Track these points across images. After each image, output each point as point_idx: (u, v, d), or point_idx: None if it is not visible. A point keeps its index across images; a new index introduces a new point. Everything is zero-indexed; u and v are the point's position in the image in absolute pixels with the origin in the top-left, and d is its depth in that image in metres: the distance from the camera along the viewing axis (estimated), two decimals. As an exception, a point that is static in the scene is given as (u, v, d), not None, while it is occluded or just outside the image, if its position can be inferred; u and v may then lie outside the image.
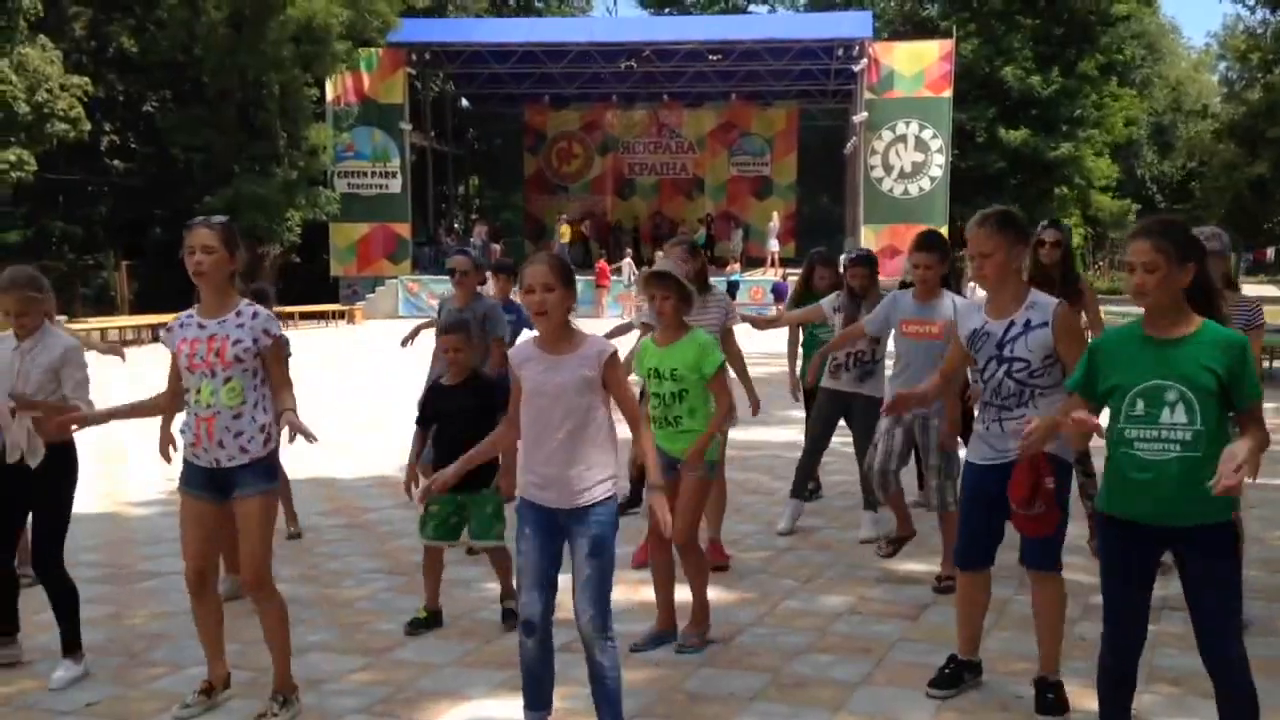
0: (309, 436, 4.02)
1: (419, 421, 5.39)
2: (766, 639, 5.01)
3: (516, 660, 4.72)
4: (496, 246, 31.82)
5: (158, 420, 5.09)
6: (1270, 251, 67.25)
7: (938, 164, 32.90)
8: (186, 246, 4.05)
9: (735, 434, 10.92)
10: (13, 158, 25.74)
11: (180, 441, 4.31)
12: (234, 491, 4.10)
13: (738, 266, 32.68)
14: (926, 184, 32.90)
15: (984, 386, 4.12)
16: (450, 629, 5.17)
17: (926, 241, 5.57)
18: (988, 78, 38.96)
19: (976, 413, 4.26)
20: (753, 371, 6.45)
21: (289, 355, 4.30)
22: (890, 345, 6.00)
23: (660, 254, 31.87)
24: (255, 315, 4.14)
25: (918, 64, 32.94)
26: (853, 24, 34.76)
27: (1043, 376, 3.99)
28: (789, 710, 4.19)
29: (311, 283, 34.29)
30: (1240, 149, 42.08)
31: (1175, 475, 3.11)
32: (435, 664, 4.73)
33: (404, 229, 33.85)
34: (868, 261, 6.76)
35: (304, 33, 29.66)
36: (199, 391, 4.06)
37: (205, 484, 4.13)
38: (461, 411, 5.16)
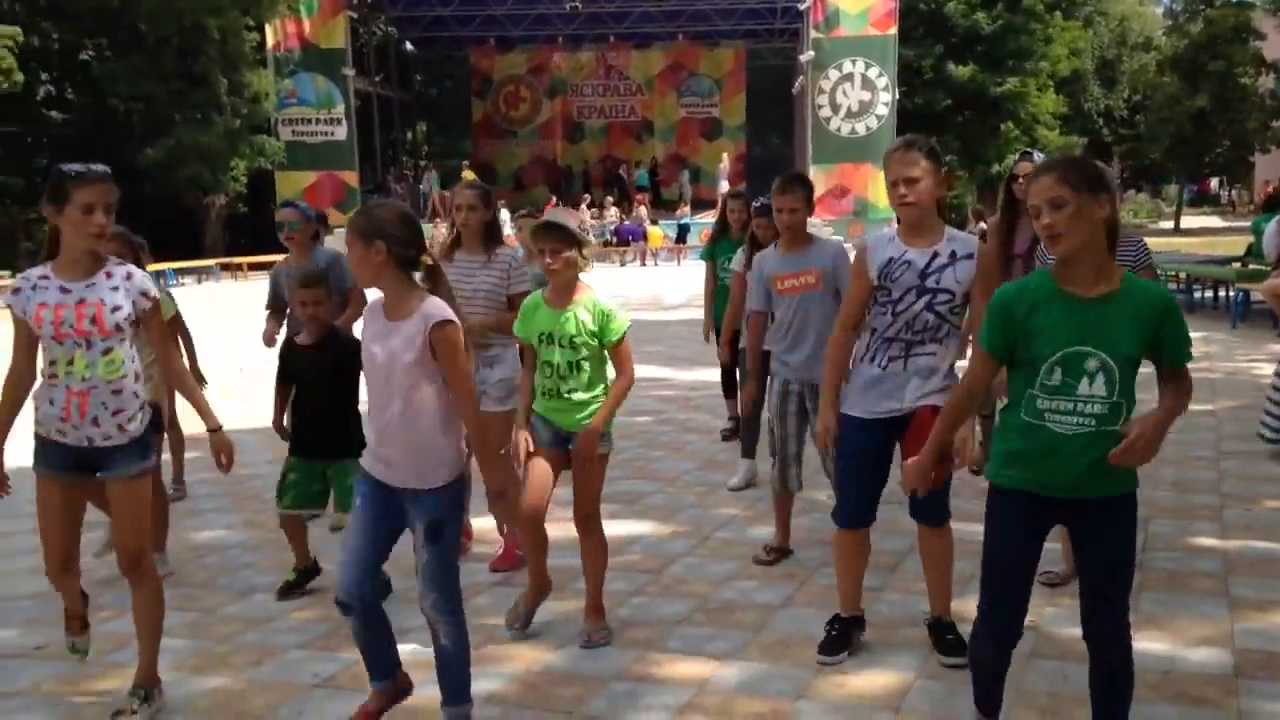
0: (222, 463, 3.87)
1: (279, 378, 5.10)
2: (696, 568, 5.23)
3: (490, 580, 4.95)
4: (447, 193, 31.65)
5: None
6: (1214, 183, 68.23)
7: (884, 102, 33.00)
8: (81, 204, 3.51)
9: (680, 374, 11.20)
10: (-54, 110, 25.21)
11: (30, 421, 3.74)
12: (103, 472, 3.70)
13: (687, 209, 32.74)
14: (874, 123, 33.00)
15: (890, 319, 3.87)
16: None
17: (787, 182, 5.09)
18: (933, 14, 39.05)
19: (866, 350, 3.99)
20: (685, 313, 6.58)
21: (175, 313, 4.05)
22: None
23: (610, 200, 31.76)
24: (130, 276, 3.68)
25: (863, 2, 32.85)
26: (798, -38, 34.63)
27: (959, 314, 3.87)
28: (713, 632, 4.41)
29: (259, 233, 33.98)
30: (1183, 82, 42.56)
31: (1088, 450, 2.85)
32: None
33: (351, 177, 33.52)
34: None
35: (241, -26, 29.15)
36: (70, 363, 3.58)
37: (71, 464, 3.69)
38: (318, 377, 4.88)
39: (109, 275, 3.64)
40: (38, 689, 4.08)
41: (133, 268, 3.75)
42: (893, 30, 33.10)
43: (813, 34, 32.64)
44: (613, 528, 5.87)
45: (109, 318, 3.59)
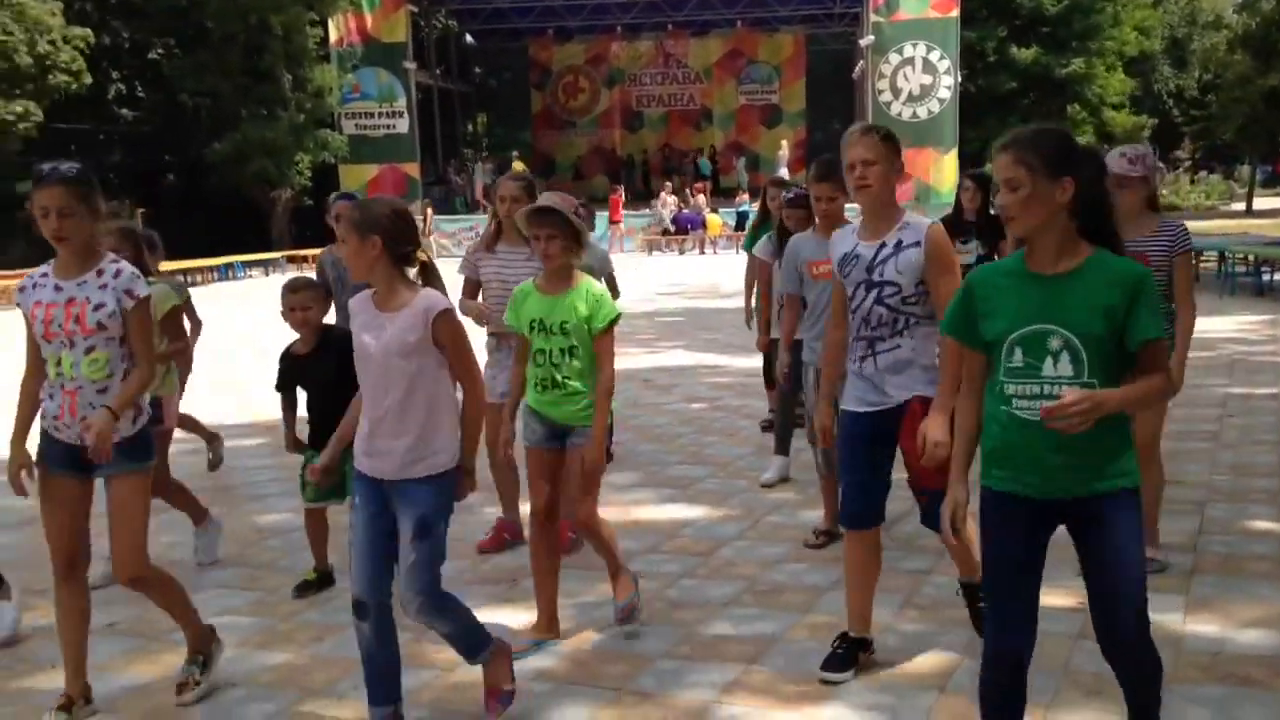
0: (96, 454, 3.54)
1: (278, 388, 5.00)
2: (746, 550, 5.29)
3: (510, 576, 5.06)
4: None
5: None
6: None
7: (946, 86, 32.63)
8: (37, 207, 3.49)
9: (735, 361, 11.23)
10: (19, 109, 25.94)
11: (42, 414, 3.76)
12: (98, 472, 3.70)
13: (746, 197, 32.65)
14: (935, 106, 32.66)
15: (853, 318, 3.82)
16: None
17: (824, 170, 4.96)
18: (997, -5, 38.48)
19: (849, 349, 3.89)
20: (741, 301, 6.58)
21: (185, 302, 4.03)
22: None
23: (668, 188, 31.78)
24: (118, 274, 3.64)
25: (924, -16, 32.55)
26: (858, -55, 34.37)
27: (917, 304, 3.74)
28: (760, 613, 4.47)
29: (324, 225, 34.45)
30: (1255, 61, 41.47)
31: (1059, 439, 2.61)
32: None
33: (413, 169, 33.92)
34: (805, 204, 5.89)
35: (303, -31, 29.62)
36: (59, 363, 3.61)
37: (69, 461, 3.68)
38: (325, 379, 4.73)
39: (100, 273, 3.62)
40: (109, 665, 4.24)
41: (123, 265, 3.69)
42: (954, 13, 32.70)
43: (873, 18, 32.36)
44: (665, 512, 6.00)
45: (90, 316, 3.56)
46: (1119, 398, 2.61)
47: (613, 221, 31.39)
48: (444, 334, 3.33)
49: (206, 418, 9.27)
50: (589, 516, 4.24)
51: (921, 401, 3.67)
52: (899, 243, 3.73)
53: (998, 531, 2.82)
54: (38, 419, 3.75)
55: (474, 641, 3.57)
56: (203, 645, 3.97)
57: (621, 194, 32.64)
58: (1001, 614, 2.83)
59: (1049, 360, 2.67)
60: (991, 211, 7.06)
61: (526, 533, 5.15)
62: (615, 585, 4.38)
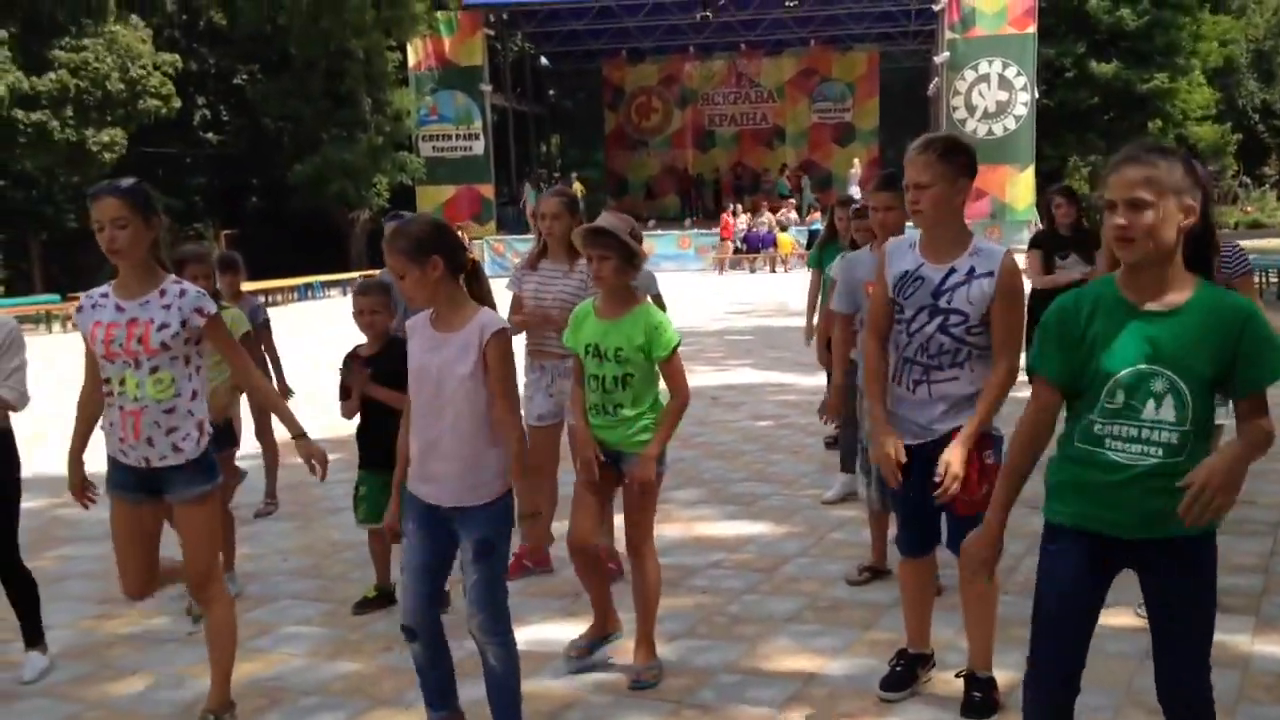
0: (315, 469, 3.74)
1: (341, 398, 4.95)
2: (809, 567, 5.31)
3: (574, 590, 5.13)
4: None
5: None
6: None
7: (1022, 102, 32.24)
8: (94, 221, 3.52)
9: (803, 379, 11.22)
10: (106, 138, 26.81)
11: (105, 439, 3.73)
12: (167, 494, 3.68)
13: (818, 216, 32.55)
14: (1011, 123, 32.28)
15: (907, 341, 3.56)
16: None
17: (884, 180, 4.83)
18: (1075, 10, 37.94)
19: (892, 369, 3.67)
20: (799, 320, 6.58)
21: (264, 323, 4.03)
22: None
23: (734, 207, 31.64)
24: (183, 293, 3.62)
25: (1000, 1, 32.22)
26: (932, -38, 34.15)
27: (981, 334, 3.48)
28: (822, 629, 4.50)
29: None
30: (1344, 73, 40.37)
31: (1153, 483, 2.48)
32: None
33: (488, 190, 34.39)
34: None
35: (383, -4, 30.27)
36: (122, 383, 3.58)
37: (136, 484, 3.67)
38: (388, 383, 4.66)
39: (163, 294, 3.60)
40: (190, 670, 4.40)
41: (186, 285, 3.67)
42: (1031, 29, 32.32)
43: (948, 34, 32.11)
44: (728, 528, 6.05)
45: (154, 336, 3.54)
46: (1239, 460, 2.43)
47: (723, 240, 31.45)
48: (493, 354, 3.28)
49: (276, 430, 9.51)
50: (640, 543, 4.08)
51: None
52: (971, 270, 3.47)
53: (1060, 569, 2.66)
54: (102, 441, 3.74)
55: (510, 707, 3.48)
56: (222, 707, 3.83)
57: (733, 211, 32.39)
58: (1051, 659, 2.68)
59: (1151, 403, 2.50)
60: (1085, 224, 7.04)
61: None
62: (639, 649, 4.10)
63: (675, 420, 4.00)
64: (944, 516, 3.59)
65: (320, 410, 10.80)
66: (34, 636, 4.46)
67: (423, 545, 3.42)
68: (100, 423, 3.75)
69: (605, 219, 4.03)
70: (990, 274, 3.44)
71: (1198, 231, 2.51)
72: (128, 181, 3.59)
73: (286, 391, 6.93)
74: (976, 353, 3.50)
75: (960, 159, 3.44)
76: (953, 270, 3.47)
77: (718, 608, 4.79)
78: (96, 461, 3.77)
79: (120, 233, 3.49)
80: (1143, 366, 2.49)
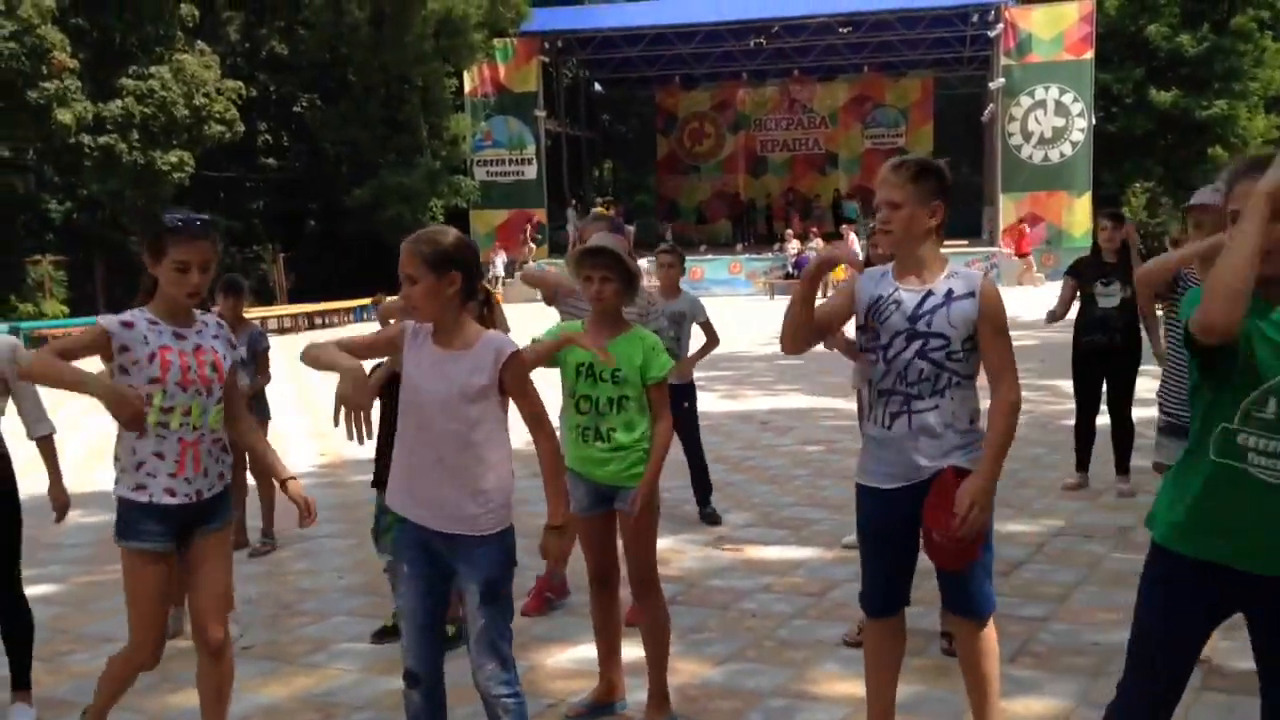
0: (304, 517, 3.51)
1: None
2: (858, 592, 5.28)
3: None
4: (630, 229, 32.38)
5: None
6: None
7: (1079, 128, 32.01)
8: (175, 260, 3.27)
9: (852, 404, 11.14)
10: (174, 159, 27.47)
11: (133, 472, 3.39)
12: (204, 526, 3.48)
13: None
14: (1068, 149, 32.06)
15: (884, 369, 3.31)
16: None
17: None
18: (1133, 37, 37.63)
19: (867, 407, 3.44)
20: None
21: (264, 350, 3.97)
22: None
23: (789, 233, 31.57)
24: (219, 324, 3.57)
25: (1056, 26, 32.06)
26: (987, -12, 34.05)
27: (962, 360, 3.25)
28: (870, 655, 4.48)
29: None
30: None
31: None
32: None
33: (541, 214, 34.71)
34: None
35: (443, 25, 30.77)
36: (188, 412, 3.37)
37: (172, 531, 3.42)
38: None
39: (205, 323, 3.50)
40: (246, 684, 4.48)
41: (208, 315, 3.58)
42: (1089, 55, 32.13)
43: (1004, 60, 32.00)
44: (778, 552, 6.06)
45: (225, 364, 3.47)
46: None
47: (796, 265, 31.40)
48: (513, 378, 3.10)
49: (334, 449, 9.66)
50: (644, 579, 3.88)
51: (956, 472, 3.21)
52: (950, 292, 3.25)
53: (1168, 599, 2.44)
54: (125, 489, 3.41)
55: None
56: None
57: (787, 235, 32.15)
58: (1146, 695, 2.49)
59: None
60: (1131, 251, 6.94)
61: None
62: (652, 705, 3.90)
63: (665, 448, 3.81)
64: (940, 579, 3.37)
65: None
66: (22, 681, 4.18)
67: (419, 583, 3.17)
68: (123, 463, 3.41)
69: (603, 238, 3.86)
70: (971, 294, 3.24)
71: None
72: (205, 219, 3.39)
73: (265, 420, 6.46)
74: (956, 380, 3.25)
75: (931, 182, 3.27)
76: (930, 293, 3.27)
77: (767, 631, 4.80)
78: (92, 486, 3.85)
79: (205, 277, 3.35)
80: None
